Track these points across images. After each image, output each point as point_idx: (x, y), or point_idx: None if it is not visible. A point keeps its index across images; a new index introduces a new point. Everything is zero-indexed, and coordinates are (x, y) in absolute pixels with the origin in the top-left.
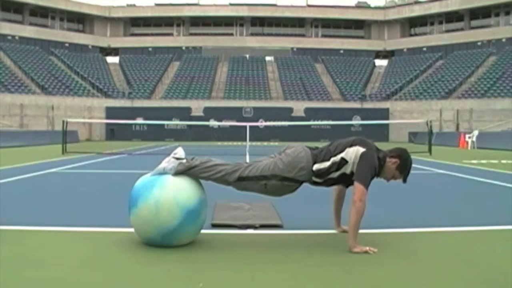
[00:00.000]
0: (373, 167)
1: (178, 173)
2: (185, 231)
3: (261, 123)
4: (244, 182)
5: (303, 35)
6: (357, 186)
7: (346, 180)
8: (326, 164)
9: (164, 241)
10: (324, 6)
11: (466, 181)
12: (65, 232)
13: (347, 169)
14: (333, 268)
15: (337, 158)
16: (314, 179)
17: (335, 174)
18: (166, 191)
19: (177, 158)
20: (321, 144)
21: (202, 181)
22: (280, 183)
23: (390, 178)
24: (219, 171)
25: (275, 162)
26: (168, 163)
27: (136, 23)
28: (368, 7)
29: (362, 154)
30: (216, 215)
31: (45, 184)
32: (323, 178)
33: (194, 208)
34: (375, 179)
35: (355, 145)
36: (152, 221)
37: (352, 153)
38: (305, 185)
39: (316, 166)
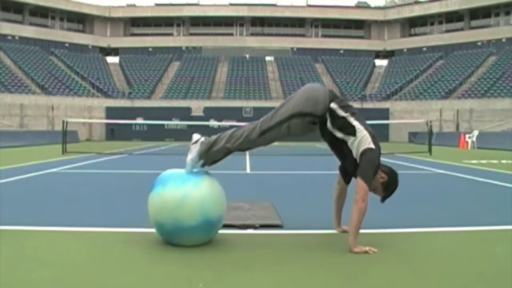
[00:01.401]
0: (376, 167)
1: (202, 154)
2: (195, 235)
3: None
4: (267, 133)
5: (303, 35)
6: (360, 185)
7: (341, 151)
8: (343, 113)
9: (172, 234)
10: (324, 6)
11: (466, 181)
12: (65, 232)
13: (348, 141)
14: (333, 268)
15: (352, 121)
16: (328, 117)
17: (339, 133)
18: (198, 192)
19: (196, 142)
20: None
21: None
22: (301, 119)
23: (371, 189)
24: (240, 135)
25: (292, 105)
26: (190, 153)
27: (136, 23)
28: (368, 7)
29: (371, 150)
30: None
31: (45, 184)
32: (334, 125)
33: (214, 221)
34: None
35: (371, 136)
36: (172, 210)
37: (363, 137)
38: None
39: (334, 105)
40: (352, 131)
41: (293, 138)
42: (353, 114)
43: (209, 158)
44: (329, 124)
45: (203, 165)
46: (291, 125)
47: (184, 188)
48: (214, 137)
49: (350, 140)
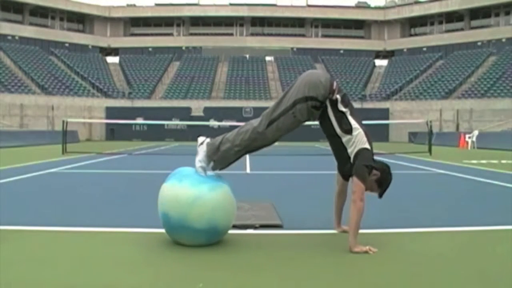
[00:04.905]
0: (370, 167)
1: (210, 156)
2: (196, 238)
3: None
4: (274, 123)
5: (303, 35)
6: (357, 184)
7: (336, 146)
8: (343, 108)
9: (175, 230)
10: (324, 6)
11: (466, 181)
12: (65, 232)
13: (343, 138)
14: (333, 268)
15: (350, 119)
16: (329, 106)
17: (338, 129)
18: (211, 197)
19: (201, 144)
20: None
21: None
22: (305, 105)
23: (367, 189)
24: (247, 130)
25: (296, 91)
26: (197, 155)
27: (136, 23)
28: (368, 7)
29: (367, 151)
30: None
31: (45, 184)
32: (334, 116)
33: (219, 229)
34: None
35: (366, 135)
36: (182, 206)
37: (359, 136)
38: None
39: (338, 96)
40: (348, 130)
41: (293, 137)
42: (351, 112)
43: (220, 160)
44: (329, 111)
45: (214, 168)
46: (296, 112)
47: (199, 189)
48: (219, 137)
49: (345, 137)
